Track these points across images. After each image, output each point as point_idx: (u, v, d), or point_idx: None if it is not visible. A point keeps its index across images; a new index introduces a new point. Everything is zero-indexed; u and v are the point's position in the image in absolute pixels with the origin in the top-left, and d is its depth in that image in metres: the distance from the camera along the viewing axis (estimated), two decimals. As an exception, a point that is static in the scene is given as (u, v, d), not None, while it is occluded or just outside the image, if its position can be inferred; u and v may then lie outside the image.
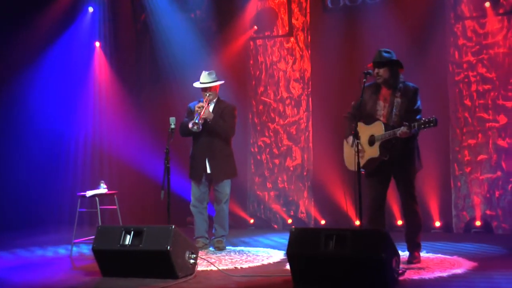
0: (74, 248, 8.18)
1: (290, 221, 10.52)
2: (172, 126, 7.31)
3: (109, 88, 11.70)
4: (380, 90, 6.85)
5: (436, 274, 6.19)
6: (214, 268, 6.78)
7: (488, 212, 9.42)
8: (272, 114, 10.83)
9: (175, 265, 6.23)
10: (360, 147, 6.70)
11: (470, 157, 9.60)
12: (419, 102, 6.79)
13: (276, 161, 10.78)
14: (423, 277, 6.07)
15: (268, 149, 10.84)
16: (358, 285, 5.63)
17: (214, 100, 8.23)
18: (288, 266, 6.70)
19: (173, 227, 6.33)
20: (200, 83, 8.21)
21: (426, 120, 6.44)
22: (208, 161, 8.13)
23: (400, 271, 5.91)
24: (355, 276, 5.63)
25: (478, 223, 9.38)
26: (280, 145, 10.77)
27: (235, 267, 6.90)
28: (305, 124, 10.62)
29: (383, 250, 5.50)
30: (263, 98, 10.90)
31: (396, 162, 6.73)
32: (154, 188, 10.52)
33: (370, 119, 6.76)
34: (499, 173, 9.42)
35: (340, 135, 9.76)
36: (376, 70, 6.78)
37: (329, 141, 10.04)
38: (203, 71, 8.27)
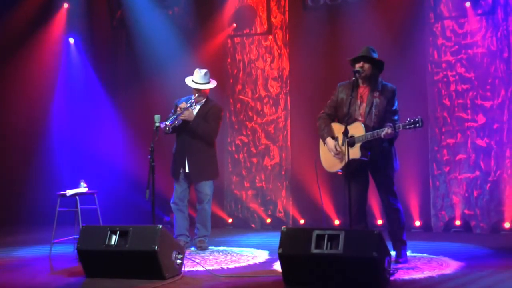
0: (54, 248, 7.98)
1: (269, 220, 10.46)
2: (157, 124, 7.16)
3: (86, 85, 11.52)
4: (357, 89, 6.75)
5: (425, 274, 6.16)
6: (200, 269, 6.68)
7: (466, 211, 9.45)
8: (249, 113, 10.75)
9: (162, 265, 6.11)
10: (338, 149, 6.66)
11: (449, 157, 9.63)
12: (396, 103, 6.76)
13: (254, 160, 10.71)
14: (414, 277, 6.04)
15: (245, 148, 10.76)
16: (350, 285, 5.58)
17: (203, 101, 8.10)
18: (275, 266, 6.73)
19: (160, 227, 6.21)
20: (193, 81, 8.06)
21: (412, 120, 6.40)
22: (187, 160, 8.01)
23: (391, 271, 5.88)
24: (347, 276, 5.58)
25: (457, 222, 9.42)
26: (258, 144, 10.69)
27: (221, 267, 6.80)
28: (284, 123, 10.56)
29: (375, 249, 5.45)
30: (240, 96, 10.82)
31: (375, 162, 6.69)
32: (134, 187, 10.47)
33: (347, 119, 6.59)
34: (477, 172, 9.46)
35: (318, 134, 9.78)
36: (361, 64, 6.68)
37: (308, 140, 9.95)
38: (198, 69, 8.12)
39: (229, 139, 10.80)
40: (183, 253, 6.47)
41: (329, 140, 6.79)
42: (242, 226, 10.57)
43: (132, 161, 10.64)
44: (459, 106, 9.62)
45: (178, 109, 7.87)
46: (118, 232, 6.31)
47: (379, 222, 9.45)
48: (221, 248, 8.19)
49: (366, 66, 6.67)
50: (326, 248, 5.61)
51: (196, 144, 8.03)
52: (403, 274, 6.13)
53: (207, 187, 8.13)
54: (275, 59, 10.64)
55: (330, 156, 6.80)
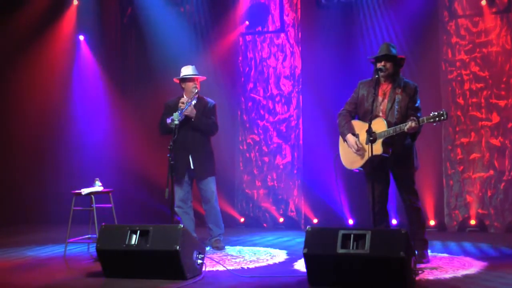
0: (69, 248, 7.88)
1: (281, 220, 10.38)
2: (176, 122, 7.06)
3: (97, 82, 11.44)
4: (379, 85, 6.64)
5: (450, 274, 6.09)
6: (220, 269, 6.60)
7: (480, 211, 9.41)
8: (261, 111, 10.67)
9: (184, 265, 6.03)
10: (360, 145, 6.59)
11: (463, 156, 9.58)
12: (419, 100, 6.67)
13: (265, 158, 10.63)
14: (439, 277, 5.97)
15: (257, 147, 10.68)
16: (376, 286, 5.50)
17: (196, 96, 7.97)
18: (296, 266, 6.68)
19: (182, 226, 6.13)
20: (184, 75, 7.96)
21: (436, 113, 6.29)
22: (191, 157, 7.87)
23: (417, 272, 5.81)
24: (374, 277, 5.50)
25: (473, 222, 9.36)
26: (269, 142, 10.62)
27: (242, 267, 6.72)
28: (296, 121, 10.48)
29: (403, 249, 5.38)
30: (252, 95, 10.74)
31: (396, 159, 6.60)
32: (144, 186, 10.39)
33: (368, 116, 6.48)
34: (491, 172, 9.43)
35: (331, 133, 9.71)
36: (383, 63, 6.60)
37: (320, 139, 9.99)
38: (185, 66, 8.04)
39: (240, 137, 10.71)
40: (204, 253, 6.39)
41: (350, 136, 6.69)
42: (253, 225, 10.49)
43: (144, 159, 10.55)
44: (473, 105, 9.58)
45: (181, 104, 7.76)
46: (138, 232, 6.21)
47: (394, 221, 9.37)
48: (237, 248, 8.09)
49: (388, 64, 6.60)
50: (352, 248, 5.54)
51: (198, 140, 7.90)
52: (427, 275, 6.06)
53: (212, 184, 8.01)
54: (287, 57, 10.56)
55: (350, 153, 6.72)
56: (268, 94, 10.65)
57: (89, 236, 7.90)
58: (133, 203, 10.54)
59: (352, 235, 5.57)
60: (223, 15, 10.77)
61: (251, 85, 10.75)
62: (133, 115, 11.06)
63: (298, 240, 8.76)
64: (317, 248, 5.65)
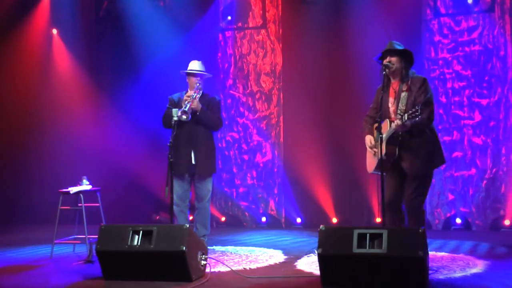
0: (56, 248, 7.56)
1: (264, 219, 10.26)
2: (175, 118, 6.85)
3: (74, 78, 11.11)
4: (389, 85, 6.45)
5: (458, 274, 6.03)
6: (222, 269, 6.42)
7: (462, 209, 9.44)
8: (241, 109, 10.52)
9: (189, 267, 5.83)
10: (373, 143, 6.42)
11: (445, 154, 9.54)
12: (429, 93, 6.37)
13: (245, 156, 10.48)
14: (449, 277, 5.89)
15: (236, 145, 10.53)
16: (393, 286, 5.40)
17: (200, 91, 7.80)
18: (299, 266, 6.57)
19: (187, 226, 5.93)
20: (190, 69, 7.80)
21: (414, 109, 6.08)
22: (193, 153, 7.66)
23: (431, 272, 5.75)
24: (391, 277, 5.39)
25: (458, 220, 9.40)
26: (249, 140, 10.47)
27: (244, 268, 6.54)
28: (276, 119, 10.35)
29: (421, 249, 5.29)
30: (231, 91, 10.58)
31: (405, 157, 6.34)
32: (135, 185, 10.16)
33: (383, 118, 6.33)
34: (473, 170, 9.46)
35: (312, 131, 9.64)
36: (388, 58, 6.42)
37: (301, 137, 9.91)
38: (192, 60, 7.88)
39: (219, 135, 10.49)
40: (206, 254, 6.21)
41: (366, 137, 6.54)
42: (234, 224, 10.35)
43: (130, 156, 10.28)
44: (456, 104, 9.60)
45: (186, 97, 7.57)
46: (141, 232, 5.97)
47: (378, 220, 9.34)
48: (230, 247, 7.94)
49: (394, 59, 6.41)
50: (369, 247, 5.42)
51: (201, 136, 7.73)
52: (437, 274, 6.00)
53: (209, 183, 7.85)
54: (267, 54, 10.43)
55: (369, 157, 6.55)
56: (248, 91, 10.50)
57: (76, 236, 7.62)
58: (119, 201, 10.23)
59: (368, 235, 5.45)
60: (203, 10, 10.58)
61: (230, 81, 10.59)
62: (113, 109, 10.78)
63: (286, 238, 8.70)
64: (332, 248, 5.51)
